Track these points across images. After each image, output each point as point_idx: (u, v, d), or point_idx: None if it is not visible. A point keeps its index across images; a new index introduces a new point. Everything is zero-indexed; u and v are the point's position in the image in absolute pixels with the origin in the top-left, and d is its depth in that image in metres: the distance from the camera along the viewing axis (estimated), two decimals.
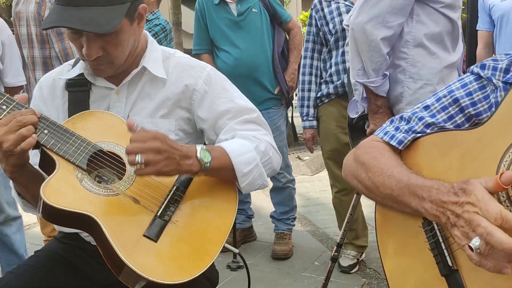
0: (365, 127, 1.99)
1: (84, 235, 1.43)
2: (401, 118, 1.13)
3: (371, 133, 1.92)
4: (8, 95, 1.21)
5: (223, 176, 1.31)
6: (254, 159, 1.33)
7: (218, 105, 1.42)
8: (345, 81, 2.64)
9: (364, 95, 1.86)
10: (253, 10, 2.99)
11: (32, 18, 2.69)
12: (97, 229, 1.14)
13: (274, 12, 3.07)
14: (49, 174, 1.22)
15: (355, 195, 2.17)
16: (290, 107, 3.27)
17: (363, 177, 1.08)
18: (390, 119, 1.16)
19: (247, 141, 1.35)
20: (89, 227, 1.16)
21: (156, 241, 1.17)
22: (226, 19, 2.98)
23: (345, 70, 2.69)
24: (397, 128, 1.11)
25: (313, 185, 4.83)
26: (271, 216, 3.29)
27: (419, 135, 1.07)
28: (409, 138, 1.07)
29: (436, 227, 0.97)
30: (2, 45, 2.57)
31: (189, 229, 1.23)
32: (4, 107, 1.19)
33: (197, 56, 3.12)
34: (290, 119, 3.33)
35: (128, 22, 1.30)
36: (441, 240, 0.95)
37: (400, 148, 1.08)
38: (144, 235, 1.17)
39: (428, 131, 1.07)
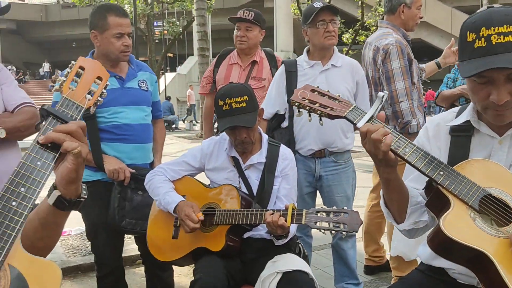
0: None
1: (452, 271, 1.52)
2: None
3: None
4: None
5: None
6: None
7: None
8: None
9: None
10: None
11: (370, 63, 3.05)
12: (488, 267, 1.22)
13: None
14: (439, 210, 1.37)
15: None
16: None
17: None
18: None
19: None
20: (477, 263, 1.25)
21: None
22: None
23: None
24: None
25: None
26: None
27: None
28: None
29: None
30: (356, 84, 2.97)
31: None
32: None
33: None
34: None
35: None
36: None
37: None
38: None
39: None
